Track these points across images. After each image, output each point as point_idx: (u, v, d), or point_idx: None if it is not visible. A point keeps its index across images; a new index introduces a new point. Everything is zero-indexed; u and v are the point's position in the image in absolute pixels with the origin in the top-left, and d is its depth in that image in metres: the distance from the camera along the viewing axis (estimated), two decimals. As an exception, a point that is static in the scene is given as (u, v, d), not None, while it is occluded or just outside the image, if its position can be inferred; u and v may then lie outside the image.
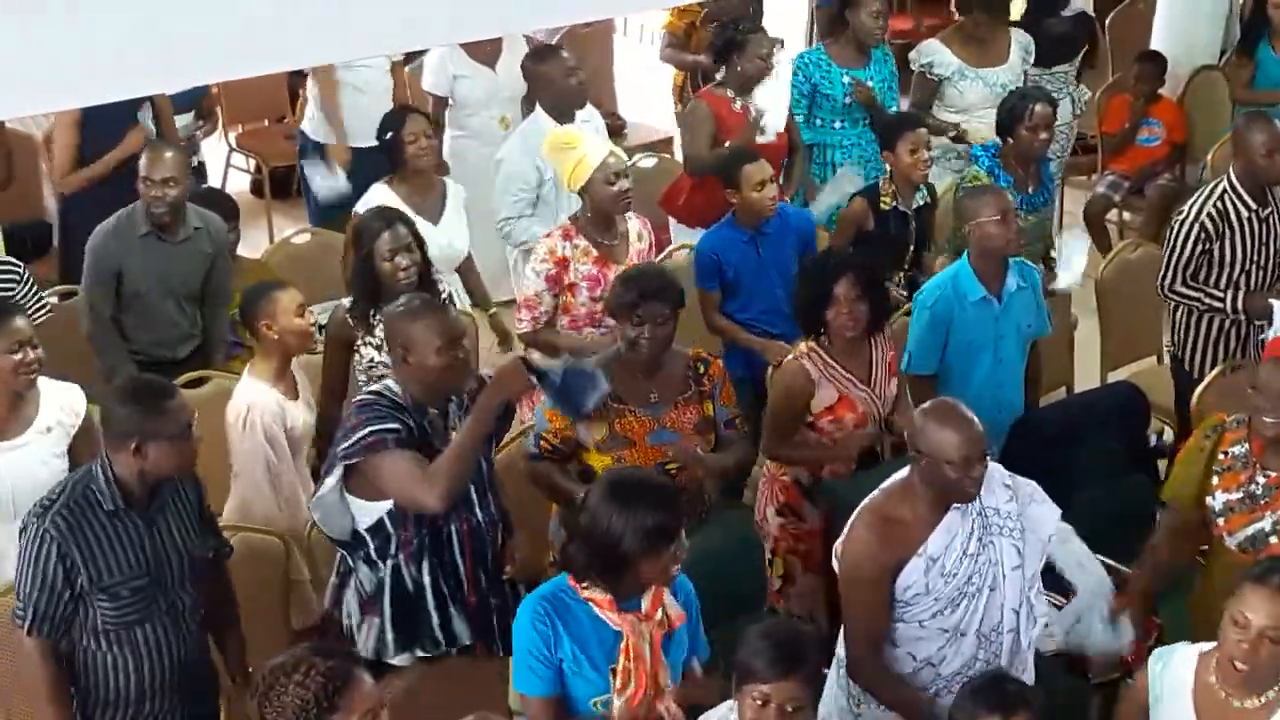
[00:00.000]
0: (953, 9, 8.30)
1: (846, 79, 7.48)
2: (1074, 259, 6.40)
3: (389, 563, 4.54)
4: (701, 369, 5.07)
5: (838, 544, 4.40)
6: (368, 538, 4.53)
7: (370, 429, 4.41)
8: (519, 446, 5.22)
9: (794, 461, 5.44)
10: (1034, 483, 4.46)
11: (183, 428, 4.21)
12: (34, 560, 4.17)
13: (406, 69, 8.06)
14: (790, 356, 5.41)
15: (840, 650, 4.47)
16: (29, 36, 2.83)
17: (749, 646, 3.81)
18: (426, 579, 4.56)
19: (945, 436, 4.18)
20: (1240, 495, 4.85)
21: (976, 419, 4.24)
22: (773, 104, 6.90)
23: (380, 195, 6.36)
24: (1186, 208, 6.31)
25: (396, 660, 4.59)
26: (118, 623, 4.26)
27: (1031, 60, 8.08)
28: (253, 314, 5.35)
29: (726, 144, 6.85)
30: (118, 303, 5.98)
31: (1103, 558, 5.26)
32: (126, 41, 3.08)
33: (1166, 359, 6.99)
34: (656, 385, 4.98)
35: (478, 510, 4.61)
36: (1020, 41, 8.00)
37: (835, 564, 4.40)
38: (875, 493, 4.41)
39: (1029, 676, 4.41)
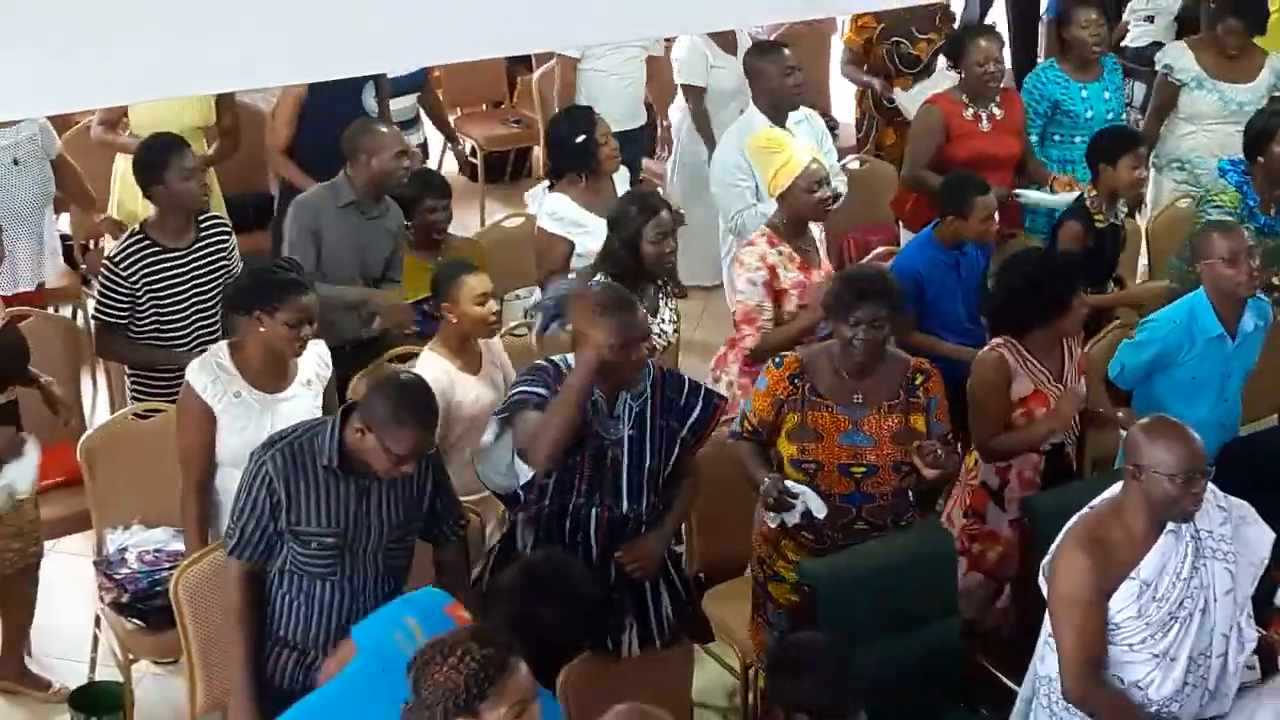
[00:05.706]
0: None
1: (1085, 93, 7.29)
2: None
3: (512, 518, 4.73)
4: (919, 379, 4.96)
5: (1045, 563, 4.33)
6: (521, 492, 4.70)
7: (520, 389, 4.57)
8: (721, 435, 5.20)
9: (1009, 451, 5.30)
10: (1247, 503, 4.36)
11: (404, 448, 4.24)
12: (249, 486, 4.36)
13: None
14: (987, 348, 5.35)
15: (1044, 670, 4.39)
16: (256, 13, 2.91)
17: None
18: (529, 546, 4.64)
19: (1167, 451, 4.11)
20: None
21: (1196, 435, 4.18)
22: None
23: (557, 203, 6.27)
24: None
25: None
26: (299, 569, 4.40)
27: None
28: (439, 292, 5.50)
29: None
30: (318, 266, 6.00)
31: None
32: (347, 22, 3.15)
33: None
34: (864, 387, 4.91)
35: (625, 501, 4.62)
36: (1274, 66, 7.55)
37: (1042, 583, 4.33)
38: (1085, 512, 4.34)
39: (1229, 701, 4.33)
